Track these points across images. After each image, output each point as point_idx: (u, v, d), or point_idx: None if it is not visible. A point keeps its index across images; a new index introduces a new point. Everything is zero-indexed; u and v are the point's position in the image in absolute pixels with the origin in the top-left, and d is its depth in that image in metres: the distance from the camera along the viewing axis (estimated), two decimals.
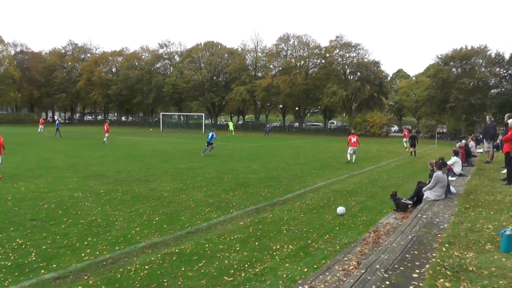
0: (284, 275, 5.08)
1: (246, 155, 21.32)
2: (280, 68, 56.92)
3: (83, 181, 11.42)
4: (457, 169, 11.98)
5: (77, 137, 32.90)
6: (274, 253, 5.92)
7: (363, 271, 4.06)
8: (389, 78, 70.59)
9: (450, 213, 6.88)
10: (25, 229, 6.70)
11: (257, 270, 5.26)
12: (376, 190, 11.48)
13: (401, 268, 4.13)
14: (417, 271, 4.05)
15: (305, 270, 5.26)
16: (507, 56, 46.49)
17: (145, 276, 4.95)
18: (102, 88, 66.18)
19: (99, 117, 79.80)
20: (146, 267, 5.24)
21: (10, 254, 5.52)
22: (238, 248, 6.09)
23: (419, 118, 62.81)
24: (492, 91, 48.65)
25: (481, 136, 26.15)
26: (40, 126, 38.15)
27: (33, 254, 5.57)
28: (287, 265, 5.46)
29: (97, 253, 5.70)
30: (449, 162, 11.69)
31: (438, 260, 4.27)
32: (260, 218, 7.92)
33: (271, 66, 58.94)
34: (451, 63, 47.97)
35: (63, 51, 74.30)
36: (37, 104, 75.03)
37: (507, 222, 5.92)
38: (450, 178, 9.64)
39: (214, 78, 62.31)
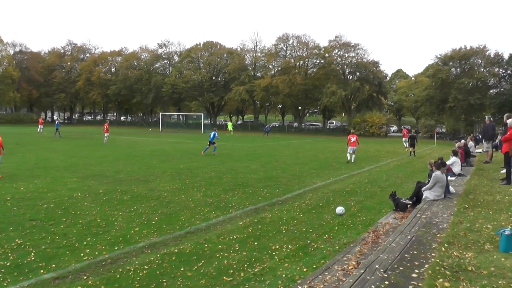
0: (283, 275, 5.08)
1: (245, 155, 21.32)
2: (279, 68, 56.93)
3: (82, 181, 11.41)
4: (456, 169, 12.00)
5: (76, 137, 32.87)
6: (273, 253, 5.92)
7: (362, 271, 4.07)
8: (388, 78, 70.65)
9: (449, 213, 6.89)
10: (24, 229, 6.69)
11: (256, 270, 5.26)
12: (375, 190, 11.49)
13: (400, 268, 4.13)
14: (416, 271, 4.05)
15: (304, 270, 5.26)
16: (506, 56, 46.60)
17: (144, 276, 4.95)
18: (101, 88, 66.13)
19: (98, 117, 79.79)
20: (145, 267, 5.24)
21: (9, 254, 5.51)
22: (237, 248, 6.09)
23: (418, 118, 62.86)
24: (491, 91, 48.73)
25: (480, 136, 26.15)
26: (39, 126, 38.12)
27: (32, 254, 5.56)
28: (286, 265, 5.46)
29: (96, 253, 5.70)
30: (448, 162, 11.70)
31: (437, 260, 4.28)
32: (259, 218, 7.92)
33: (270, 66, 58.94)
34: (450, 63, 48.03)
35: (62, 51, 74.31)
36: (36, 104, 74.96)
37: (506, 222, 5.93)
38: (449, 178, 9.65)
39: (213, 78, 62.31)
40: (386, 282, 3.72)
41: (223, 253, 5.87)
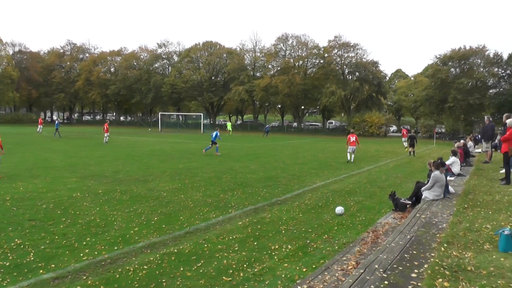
0: (283, 275, 5.08)
1: (245, 155, 21.32)
2: (279, 68, 56.98)
3: (81, 181, 11.41)
4: (456, 169, 12.01)
5: (75, 137, 32.85)
6: (273, 253, 5.92)
7: (361, 271, 4.07)
8: (387, 78, 70.68)
9: (449, 213, 6.89)
10: (23, 229, 6.69)
11: (255, 270, 5.26)
12: (374, 190, 11.50)
13: (400, 268, 4.14)
14: (415, 271, 4.05)
15: (304, 270, 5.27)
16: (505, 56, 46.69)
17: (144, 276, 4.95)
18: (101, 88, 66.11)
19: (98, 117, 79.75)
20: (145, 267, 5.24)
21: (9, 254, 5.51)
22: (236, 248, 6.09)
23: (417, 118, 62.92)
24: (491, 91, 48.79)
25: (479, 136, 26.17)
26: (39, 126, 38.12)
27: (32, 254, 5.56)
28: (286, 265, 5.46)
29: (96, 253, 5.70)
30: (447, 162, 11.71)
31: (437, 260, 4.28)
32: (259, 218, 7.92)
33: (269, 66, 58.98)
34: (450, 63, 48.08)
35: (61, 51, 74.25)
36: (36, 104, 74.89)
37: (505, 222, 5.94)
38: (448, 178, 9.66)
39: (213, 78, 62.32)
40: (386, 282, 3.72)
41: (222, 253, 5.87)
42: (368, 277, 3.86)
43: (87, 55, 73.62)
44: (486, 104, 46.53)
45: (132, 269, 5.14)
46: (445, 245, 4.86)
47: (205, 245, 6.18)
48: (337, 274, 4.65)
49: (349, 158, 18.74)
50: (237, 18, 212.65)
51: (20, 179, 11.49)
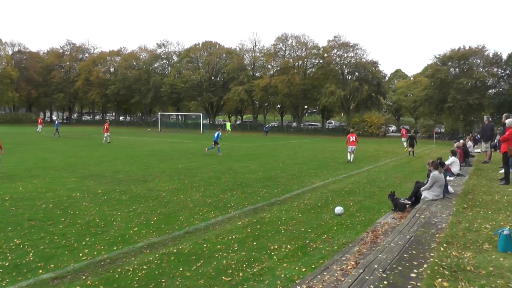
0: (282, 275, 5.08)
1: (244, 155, 21.32)
2: (278, 68, 56.97)
3: (81, 181, 11.40)
4: (455, 169, 12.02)
5: (75, 137, 32.83)
6: (272, 253, 5.92)
7: (361, 271, 4.07)
8: (387, 78, 70.64)
9: (448, 213, 6.89)
10: (23, 229, 6.68)
11: (255, 270, 5.26)
12: (374, 190, 11.50)
13: (399, 268, 4.14)
14: (415, 270, 4.05)
15: (303, 270, 5.27)
16: (504, 56, 46.73)
17: (143, 276, 4.94)
18: (100, 88, 66.09)
19: (97, 117, 79.71)
20: (144, 267, 5.24)
21: (8, 254, 5.50)
22: (236, 248, 6.09)
23: (417, 118, 62.94)
24: (490, 91, 48.82)
25: (479, 136, 26.19)
26: (39, 126, 38.12)
27: (31, 254, 5.56)
28: (285, 265, 5.46)
29: (95, 253, 5.69)
30: (447, 162, 11.72)
31: (436, 260, 4.28)
32: (258, 218, 7.92)
33: (269, 66, 58.96)
34: (449, 63, 48.10)
35: (61, 51, 74.20)
36: (35, 104, 74.85)
37: (504, 222, 5.94)
38: (448, 178, 9.67)
39: (212, 78, 62.31)
40: (385, 282, 3.72)
41: (222, 253, 5.87)
42: (367, 277, 3.86)
43: (86, 55, 73.59)
44: (485, 104, 46.55)
45: (131, 269, 5.14)
46: (444, 245, 4.86)
47: (205, 245, 6.18)
48: (336, 274, 4.65)
49: (349, 158, 18.75)
50: (236, 18, 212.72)
51: (20, 179, 11.48)
